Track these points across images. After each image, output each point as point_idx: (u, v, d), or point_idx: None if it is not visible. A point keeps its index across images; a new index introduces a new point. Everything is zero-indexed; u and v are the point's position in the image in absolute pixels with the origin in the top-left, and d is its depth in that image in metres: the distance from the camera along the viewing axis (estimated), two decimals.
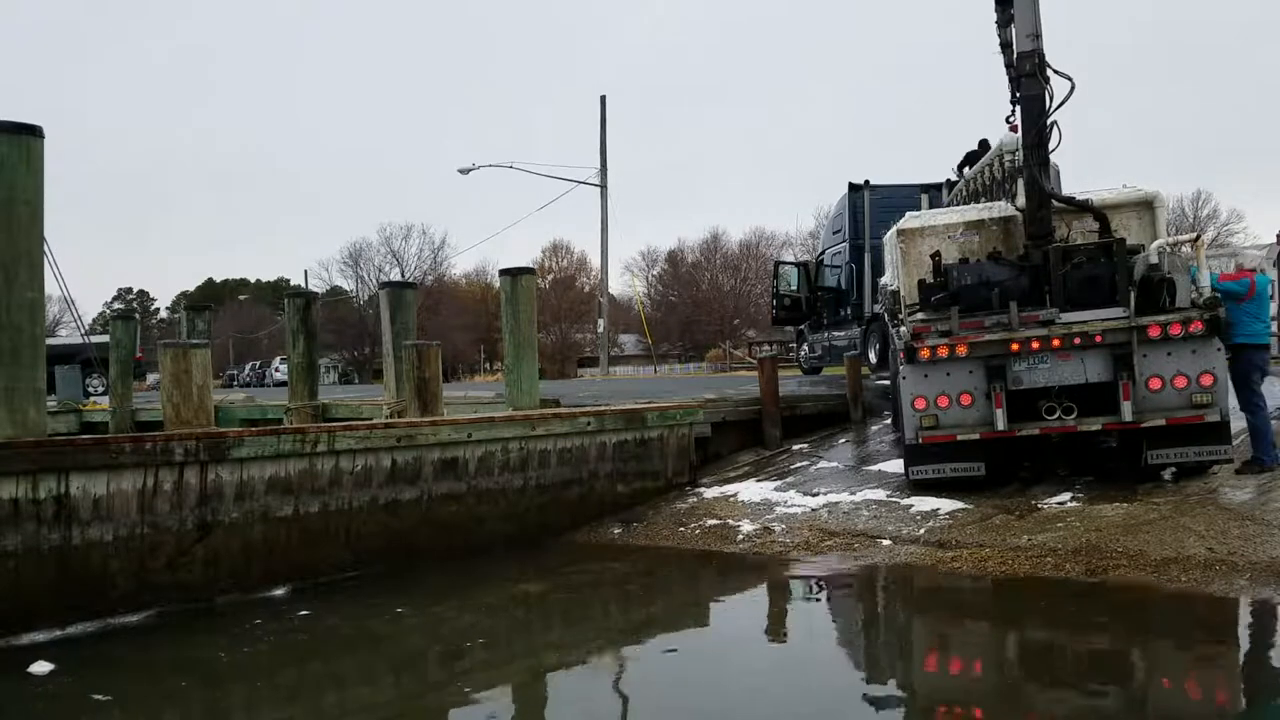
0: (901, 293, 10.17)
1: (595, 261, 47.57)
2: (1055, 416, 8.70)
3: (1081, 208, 9.59)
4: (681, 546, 9.18)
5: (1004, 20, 10.10)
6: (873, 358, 17.96)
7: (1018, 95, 9.69)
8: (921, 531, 8.50)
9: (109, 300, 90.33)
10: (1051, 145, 9.54)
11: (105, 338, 19.80)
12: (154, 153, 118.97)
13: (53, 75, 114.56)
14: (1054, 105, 9.47)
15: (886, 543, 8.37)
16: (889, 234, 11.00)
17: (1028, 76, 9.44)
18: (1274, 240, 18.76)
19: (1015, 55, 9.62)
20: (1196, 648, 6.02)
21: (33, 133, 7.52)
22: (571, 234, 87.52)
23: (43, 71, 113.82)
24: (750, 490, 10.53)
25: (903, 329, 9.32)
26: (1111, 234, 9.33)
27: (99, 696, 5.89)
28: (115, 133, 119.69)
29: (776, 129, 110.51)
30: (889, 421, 12.65)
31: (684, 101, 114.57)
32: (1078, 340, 8.63)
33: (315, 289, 58.00)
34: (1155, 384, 8.54)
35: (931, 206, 13.15)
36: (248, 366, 59.29)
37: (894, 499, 9.45)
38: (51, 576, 6.87)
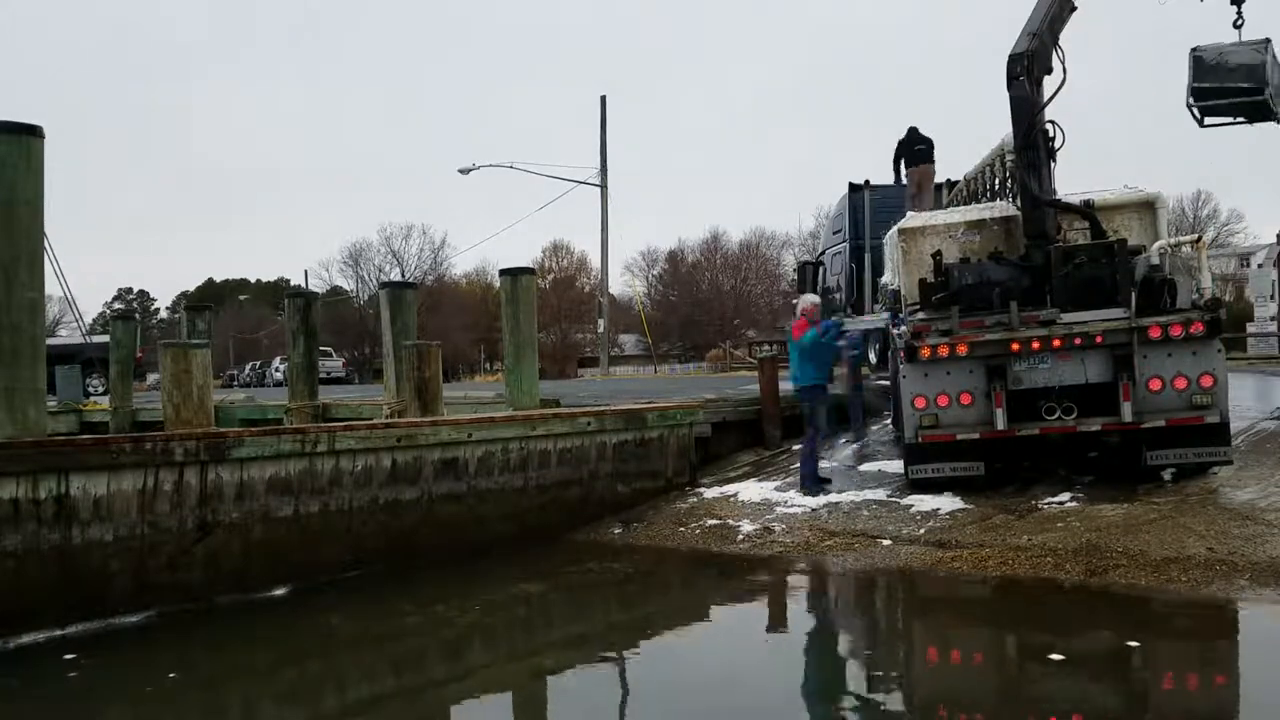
0: (902, 292, 10.18)
1: (595, 261, 47.53)
2: (1055, 417, 8.69)
3: (1067, 209, 9.56)
4: (681, 546, 9.18)
5: None
6: (873, 358, 17.95)
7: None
8: (921, 531, 8.50)
9: (109, 300, 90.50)
10: (1056, 144, 9.54)
11: (105, 338, 19.82)
12: (155, 153, 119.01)
13: (50, 75, 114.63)
14: (1046, 99, 9.45)
15: (887, 543, 8.37)
16: (890, 233, 11.00)
17: (1016, 79, 9.42)
18: (1274, 240, 18.80)
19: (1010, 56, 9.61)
20: (1197, 647, 6.03)
21: (33, 133, 7.52)
22: (571, 234, 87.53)
23: (41, 71, 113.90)
24: (750, 490, 10.53)
25: (903, 328, 9.32)
26: (1102, 235, 9.33)
27: (99, 697, 5.90)
28: (114, 132, 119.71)
29: (777, 128, 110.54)
30: (889, 422, 12.64)
31: (685, 101, 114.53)
32: (1078, 340, 8.63)
33: (315, 289, 58.01)
34: (1155, 385, 8.54)
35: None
36: (248, 366, 59.23)
37: (894, 499, 9.45)
38: (51, 577, 6.85)
